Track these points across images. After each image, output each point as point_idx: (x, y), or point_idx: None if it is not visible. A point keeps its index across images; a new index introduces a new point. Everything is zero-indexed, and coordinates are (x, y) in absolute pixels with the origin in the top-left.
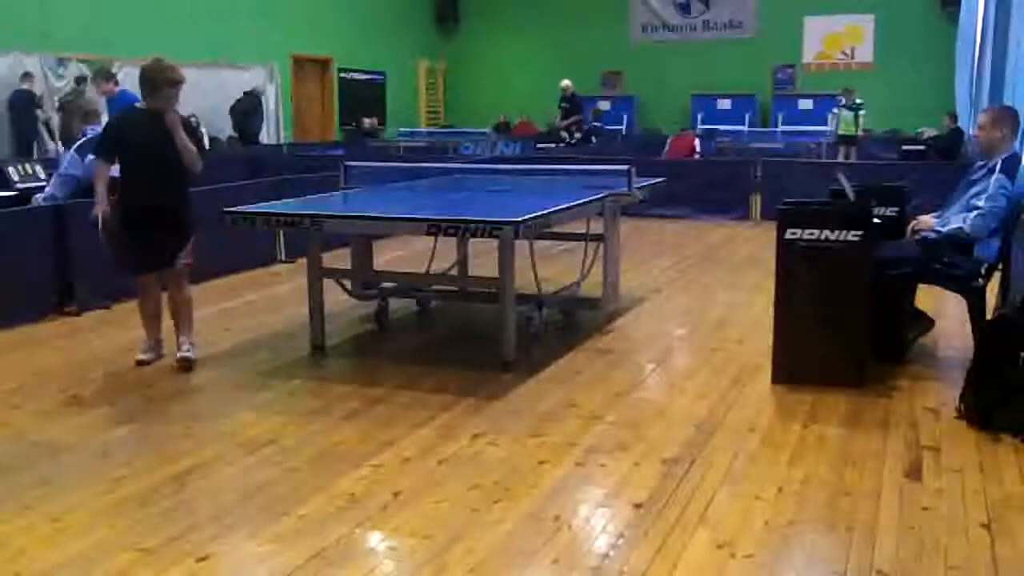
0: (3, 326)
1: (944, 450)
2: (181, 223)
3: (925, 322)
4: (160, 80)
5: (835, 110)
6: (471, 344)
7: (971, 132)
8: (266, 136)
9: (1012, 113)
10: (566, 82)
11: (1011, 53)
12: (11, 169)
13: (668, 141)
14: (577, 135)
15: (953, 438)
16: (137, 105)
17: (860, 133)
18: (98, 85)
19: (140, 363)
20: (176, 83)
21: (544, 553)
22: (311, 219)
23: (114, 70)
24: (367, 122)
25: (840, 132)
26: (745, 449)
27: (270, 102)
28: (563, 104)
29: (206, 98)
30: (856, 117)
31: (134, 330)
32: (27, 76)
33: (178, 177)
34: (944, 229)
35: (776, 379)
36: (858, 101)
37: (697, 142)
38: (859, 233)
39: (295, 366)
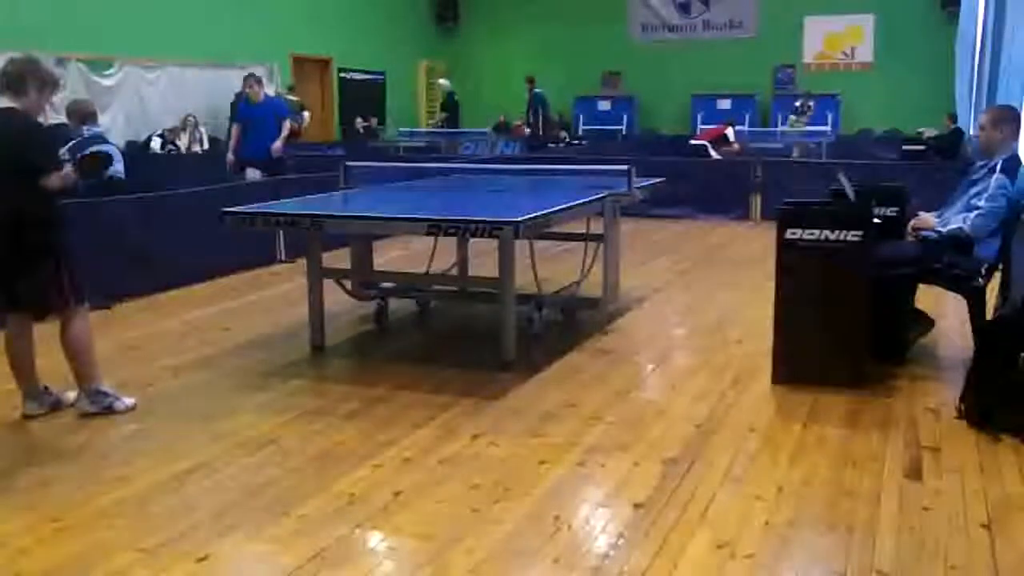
0: (3, 326)
1: (944, 450)
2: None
3: (925, 322)
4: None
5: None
6: (471, 344)
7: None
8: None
9: (1013, 113)
10: (441, 81)
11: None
12: None
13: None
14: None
15: (953, 438)
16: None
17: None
18: (250, 87)
19: (26, 416)
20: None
21: (544, 553)
22: (311, 219)
23: (114, 69)
24: (360, 123)
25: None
26: (745, 449)
27: None
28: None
29: (207, 98)
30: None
31: (134, 330)
32: None
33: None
34: (944, 229)
35: (776, 379)
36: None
37: (730, 131)
38: (859, 233)
39: (295, 366)
